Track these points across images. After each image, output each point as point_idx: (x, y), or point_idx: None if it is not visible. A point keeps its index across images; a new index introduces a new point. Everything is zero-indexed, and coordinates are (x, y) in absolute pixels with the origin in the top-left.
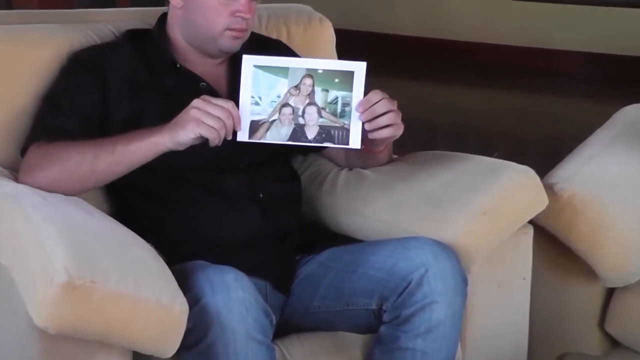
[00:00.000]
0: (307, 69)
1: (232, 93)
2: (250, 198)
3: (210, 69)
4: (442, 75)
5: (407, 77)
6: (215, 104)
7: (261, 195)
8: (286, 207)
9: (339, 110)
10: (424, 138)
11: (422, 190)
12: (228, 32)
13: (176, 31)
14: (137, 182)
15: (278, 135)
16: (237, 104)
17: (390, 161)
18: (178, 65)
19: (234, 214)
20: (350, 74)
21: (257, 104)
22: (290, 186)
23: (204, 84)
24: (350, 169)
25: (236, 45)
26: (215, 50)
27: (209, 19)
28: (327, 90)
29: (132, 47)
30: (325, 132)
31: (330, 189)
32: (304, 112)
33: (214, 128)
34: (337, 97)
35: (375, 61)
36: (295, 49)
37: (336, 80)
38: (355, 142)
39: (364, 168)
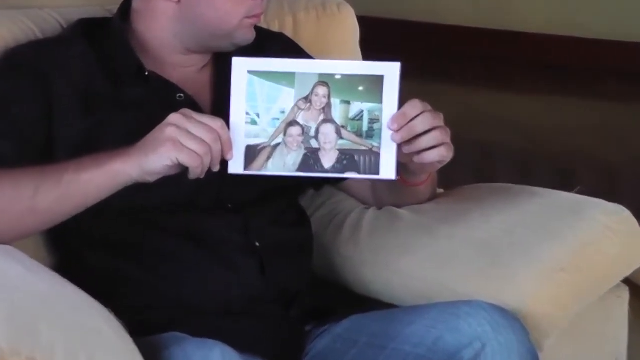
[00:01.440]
0: (321, 74)
1: (220, 108)
2: (244, 249)
3: (190, 76)
4: (501, 78)
5: (455, 82)
6: (199, 122)
7: (258, 244)
8: (292, 260)
9: (365, 128)
10: (478, 165)
11: (476, 237)
12: (246, 21)
13: (154, 27)
14: (89, 227)
15: (283, 164)
16: (227, 123)
17: (433, 197)
18: (146, 72)
19: (221, 270)
20: (380, 79)
21: (254, 122)
22: (297, 232)
23: (181, 95)
24: (380, 208)
25: (253, 35)
26: (228, 46)
27: (225, 9)
28: (348, 103)
29: (86, 45)
30: (346, 159)
31: (352, 235)
32: (317, 132)
33: (197, 154)
34: (362, 111)
35: (412, 61)
36: (303, 45)
37: (360, 88)
38: (388, 171)
39: (399, 206)
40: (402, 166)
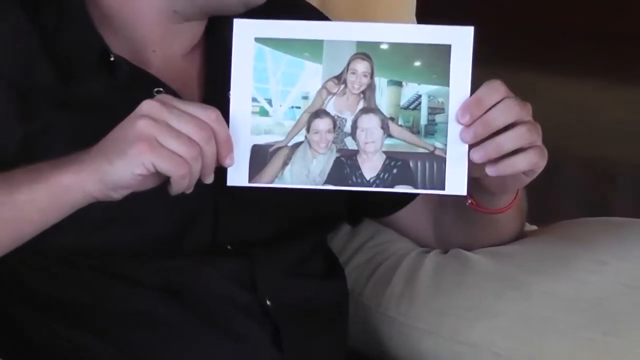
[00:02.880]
0: (360, 43)
1: (214, 99)
2: (250, 311)
3: (173, 63)
4: (629, 67)
5: (551, 67)
6: (185, 112)
7: (270, 304)
8: (318, 327)
9: (423, 121)
10: (586, 189)
11: (582, 297)
12: None
13: None
14: (23, 277)
15: (307, 173)
16: (225, 113)
17: (520, 234)
18: (112, 58)
19: (218, 341)
20: (445, 50)
21: (264, 112)
22: (325, 287)
23: (160, 90)
24: (445, 251)
25: None
26: (239, 6)
27: None
28: (399, 84)
29: (24, 17)
30: (397, 166)
31: (405, 291)
32: (355, 126)
33: (182, 157)
34: (419, 97)
35: (487, 31)
36: (332, 13)
37: (417, 63)
38: (457, 183)
39: (471, 248)
40: (473, 183)
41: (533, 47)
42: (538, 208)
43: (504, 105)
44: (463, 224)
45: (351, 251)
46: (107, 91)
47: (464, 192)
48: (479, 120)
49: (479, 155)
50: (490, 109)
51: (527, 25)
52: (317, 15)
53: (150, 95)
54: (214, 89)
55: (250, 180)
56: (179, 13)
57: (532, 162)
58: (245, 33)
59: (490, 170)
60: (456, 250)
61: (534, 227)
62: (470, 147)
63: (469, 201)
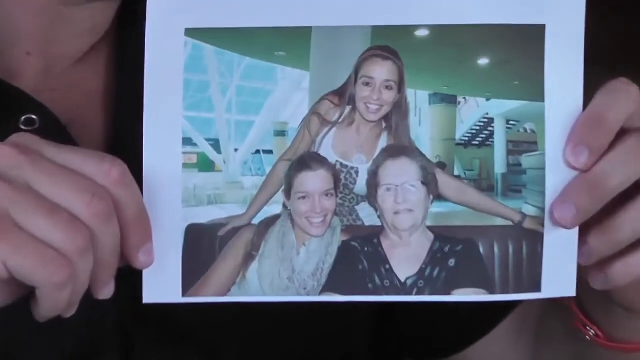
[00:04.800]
0: (377, 30)
1: (123, 142)
2: None
3: (61, 72)
4: None
5: None
6: (64, 167)
7: None
8: None
9: (499, 167)
10: None
11: None
12: None
13: None
14: None
15: (288, 274)
16: (135, 166)
17: None
18: None
19: None
20: (536, 34)
21: (205, 162)
22: None
23: (32, 118)
24: None
25: None
26: None
27: None
28: (452, 101)
29: None
30: (455, 253)
31: None
32: (374, 182)
33: (57, 251)
34: (490, 122)
35: None
36: None
37: (484, 60)
38: (560, 279)
39: None
40: (594, 290)
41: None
42: None
43: None
44: None
45: None
46: None
47: (572, 293)
48: (605, 161)
49: (604, 235)
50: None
51: None
52: None
53: (13, 129)
54: (128, 115)
55: (185, 293)
56: None
57: None
58: (169, 19)
59: (597, 282)
60: None
61: None
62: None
63: (592, 331)
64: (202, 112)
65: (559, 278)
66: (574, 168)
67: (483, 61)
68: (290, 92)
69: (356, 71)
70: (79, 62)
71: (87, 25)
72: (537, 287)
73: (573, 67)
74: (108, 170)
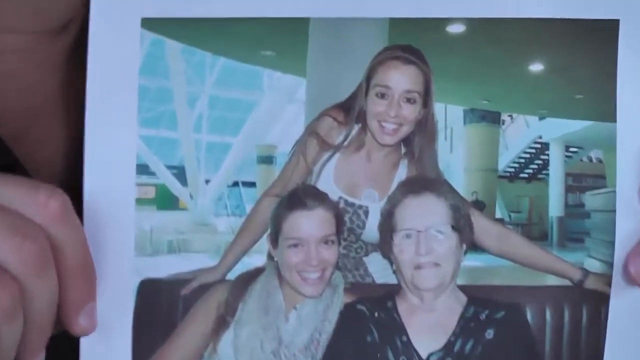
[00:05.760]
0: (396, 23)
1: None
2: None
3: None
4: None
5: None
6: None
7: None
8: None
9: (555, 209)
10: None
11: None
12: None
13: None
14: None
15: (274, 346)
16: (75, 198)
17: None
18: None
19: None
20: (607, 31)
21: (165, 198)
22: None
23: None
24: None
25: None
26: None
27: None
28: (494, 119)
29: None
30: (494, 322)
31: None
32: (389, 226)
33: None
34: (543, 148)
35: None
36: None
37: (536, 65)
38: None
39: None
40: None
41: None
42: None
43: None
44: None
45: None
46: None
47: None
48: None
49: None
50: None
51: None
52: None
53: None
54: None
55: None
56: None
57: None
58: (121, 5)
59: None
60: None
61: None
62: None
63: None
64: (162, 131)
65: (628, 353)
66: None
67: (536, 67)
68: (281, 105)
69: (368, 78)
70: (27, 55)
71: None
72: None
73: None
74: (44, 203)
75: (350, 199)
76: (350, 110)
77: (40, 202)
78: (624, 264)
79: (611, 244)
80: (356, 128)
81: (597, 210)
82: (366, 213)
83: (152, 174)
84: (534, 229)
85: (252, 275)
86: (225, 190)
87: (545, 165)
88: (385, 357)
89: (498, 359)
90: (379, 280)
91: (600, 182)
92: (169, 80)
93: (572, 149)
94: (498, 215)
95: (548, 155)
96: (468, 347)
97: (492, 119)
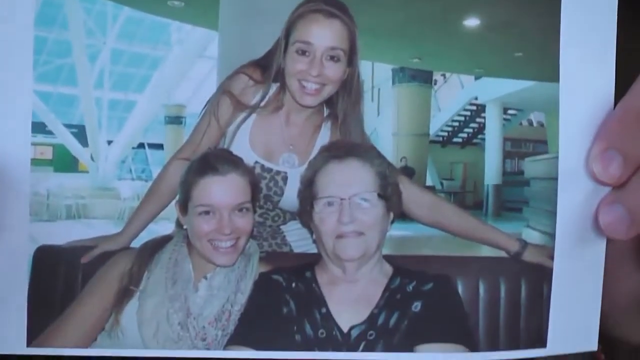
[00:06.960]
0: None
1: None
2: None
3: None
4: None
5: None
6: None
7: None
8: None
9: (492, 177)
10: None
11: None
12: None
13: None
14: None
15: (179, 318)
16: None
17: None
18: None
19: None
20: None
21: (63, 159)
22: None
23: None
24: None
25: None
26: None
27: None
28: (425, 79)
29: None
30: (423, 294)
31: None
32: (310, 194)
33: None
34: (479, 110)
35: None
36: None
37: (472, 21)
38: (578, 332)
39: None
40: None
41: None
42: None
43: None
44: None
45: None
46: None
47: (594, 347)
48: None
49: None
50: None
51: None
52: None
53: None
54: None
55: (31, 342)
56: None
57: None
58: None
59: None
60: None
61: None
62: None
63: None
64: (60, 86)
65: (573, 327)
66: (600, 182)
67: (472, 22)
68: (190, 61)
69: (287, 33)
70: None
71: None
72: (540, 341)
73: (602, 33)
74: None
75: (267, 164)
76: (268, 67)
77: None
78: (593, 215)
79: (552, 213)
80: (274, 87)
81: (538, 177)
82: (284, 179)
83: (50, 132)
84: (467, 198)
85: (158, 244)
86: (130, 152)
87: (481, 129)
88: (302, 330)
89: (426, 333)
90: (298, 249)
91: (541, 147)
92: (67, 31)
93: (510, 112)
94: (429, 182)
95: (484, 118)
96: (393, 319)
97: (424, 78)
